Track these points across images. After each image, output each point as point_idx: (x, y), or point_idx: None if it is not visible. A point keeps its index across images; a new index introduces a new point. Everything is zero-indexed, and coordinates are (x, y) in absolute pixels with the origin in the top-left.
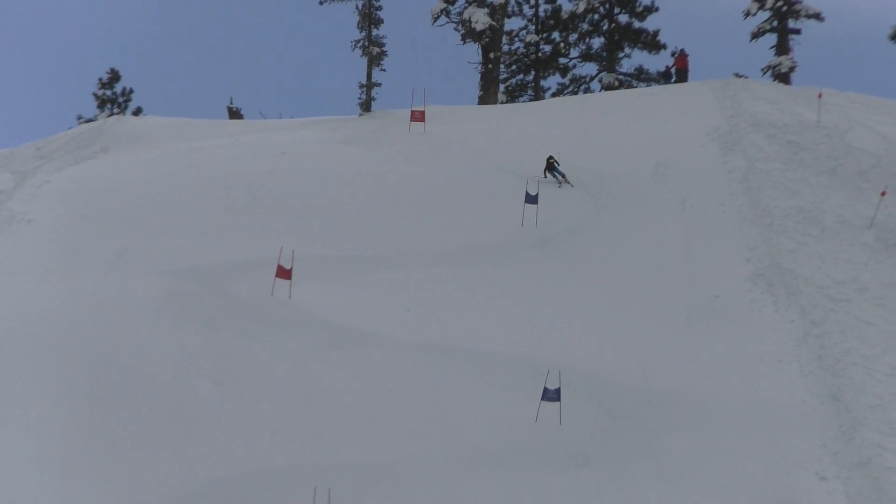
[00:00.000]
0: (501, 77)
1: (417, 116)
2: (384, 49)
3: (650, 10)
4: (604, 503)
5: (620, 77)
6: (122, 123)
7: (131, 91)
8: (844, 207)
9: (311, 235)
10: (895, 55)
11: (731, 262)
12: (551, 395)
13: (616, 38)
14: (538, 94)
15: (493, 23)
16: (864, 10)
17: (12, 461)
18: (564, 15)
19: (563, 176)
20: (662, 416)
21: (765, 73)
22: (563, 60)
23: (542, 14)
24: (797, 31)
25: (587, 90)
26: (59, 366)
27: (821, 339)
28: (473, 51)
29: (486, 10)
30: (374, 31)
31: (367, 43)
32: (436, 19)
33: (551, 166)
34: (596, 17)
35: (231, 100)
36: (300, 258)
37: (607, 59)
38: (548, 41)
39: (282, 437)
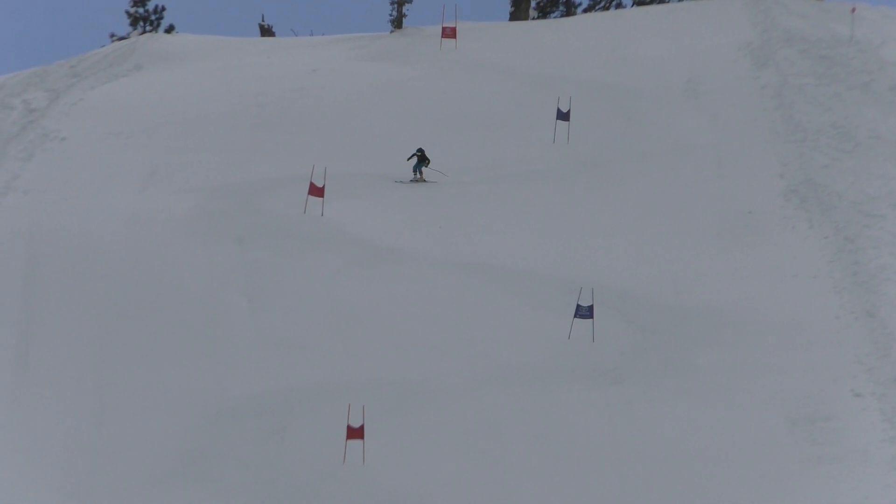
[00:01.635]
0: None
1: (448, 33)
2: None
3: None
4: (635, 419)
5: None
6: (155, 41)
7: (163, 9)
8: (878, 122)
9: (343, 153)
10: None
11: (763, 178)
12: (584, 312)
13: None
14: (570, 10)
15: None
16: None
17: (47, 378)
18: None
19: (421, 173)
20: (694, 332)
21: None
22: None
23: None
24: None
25: (619, 6)
26: (93, 283)
27: (855, 254)
28: None
29: None
30: None
31: None
32: None
33: (421, 159)
34: None
35: (262, 17)
36: (332, 176)
37: None
38: None
39: (314, 354)
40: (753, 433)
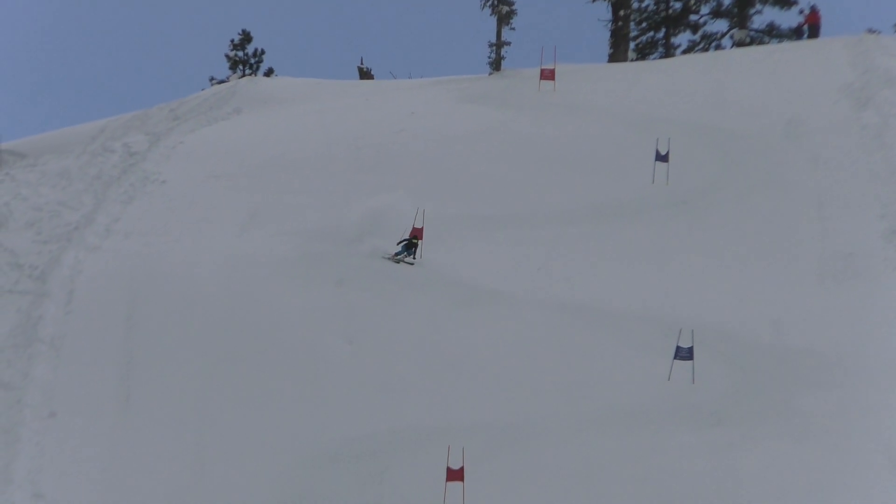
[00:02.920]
0: (632, 35)
1: (547, 75)
2: (514, 7)
3: None
4: (737, 462)
5: (752, 34)
6: (254, 84)
7: (263, 52)
8: None
9: (442, 195)
10: None
11: (864, 220)
12: (684, 354)
13: None
14: (668, 52)
15: None
16: None
17: (148, 421)
18: None
19: (407, 257)
20: (796, 373)
21: None
22: (693, 17)
23: None
24: None
25: (718, 47)
26: (193, 326)
27: None
28: (604, 8)
29: None
30: None
31: (496, 1)
32: None
33: (410, 244)
34: None
35: (361, 60)
36: (431, 217)
37: (738, 16)
38: None
39: (414, 396)
40: (857, 475)
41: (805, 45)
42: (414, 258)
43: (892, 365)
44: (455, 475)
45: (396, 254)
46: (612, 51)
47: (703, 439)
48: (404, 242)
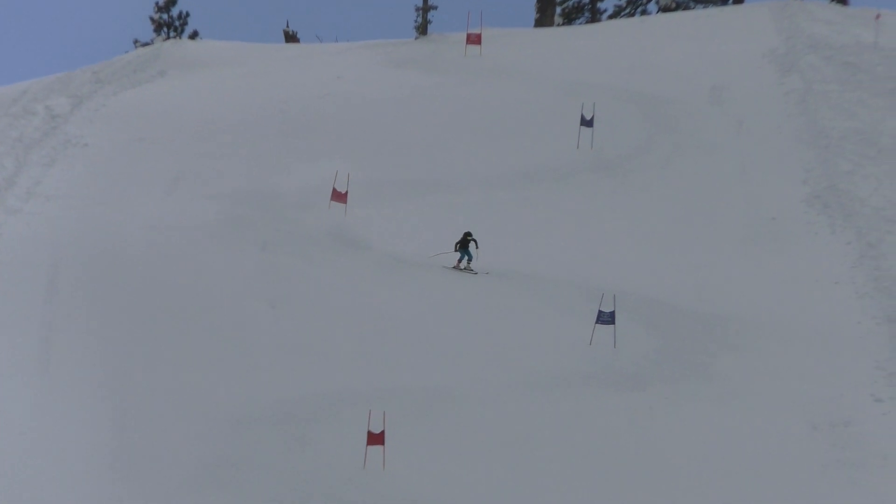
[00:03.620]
0: None
1: (473, 39)
2: None
3: None
4: (657, 424)
5: None
6: (179, 47)
7: (187, 15)
8: None
9: (367, 159)
10: None
11: (787, 184)
12: (606, 318)
13: None
14: (595, 17)
15: None
16: None
17: (70, 385)
18: None
19: (470, 261)
20: (717, 337)
21: None
22: None
23: None
24: None
25: (644, 12)
26: (117, 289)
27: (877, 260)
28: None
29: None
30: None
31: None
32: None
33: (465, 243)
34: None
35: (287, 23)
36: (356, 182)
37: None
38: None
39: (337, 360)
40: (774, 438)
41: (730, 10)
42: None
43: (809, 329)
44: (376, 439)
45: (459, 260)
46: (538, 15)
47: (624, 402)
48: (461, 247)
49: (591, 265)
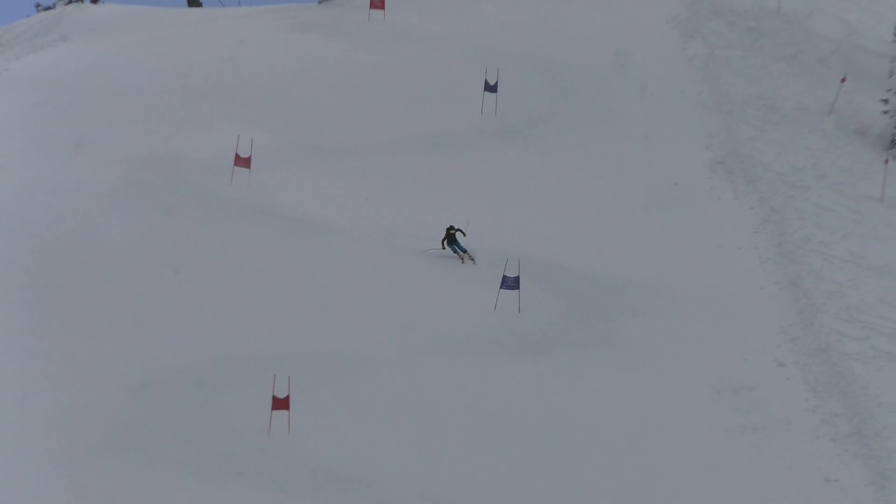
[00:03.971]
0: None
1: (377, 4)
2: None
3: None
4: (562, 389)
5: None
6: (81, 11)
7: None
8: (804, 94)
9: (271, 124)
10: None
11: (690, 150)
12: (510, 283)
13: None
14: None
15: None
16: None
17: None
18: None
19: (465, 252)
20: (621, 303)
21: None
22: None
23: None
24: None
25: None
26: (17, 253)
27: (780, 225)
28: None
29: None
30: None
31: None
32: None
33: (451, 238)
34: None
35: None
36: (260, 147)
37: None
38: None
39: (241, 325)
40: (678, 402)
41: None
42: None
43: (712, 294)
44: (281, 404)
45: (455, 251)
46: None
47: (529, 367)
48: (446, 239)
49: (495, 231)
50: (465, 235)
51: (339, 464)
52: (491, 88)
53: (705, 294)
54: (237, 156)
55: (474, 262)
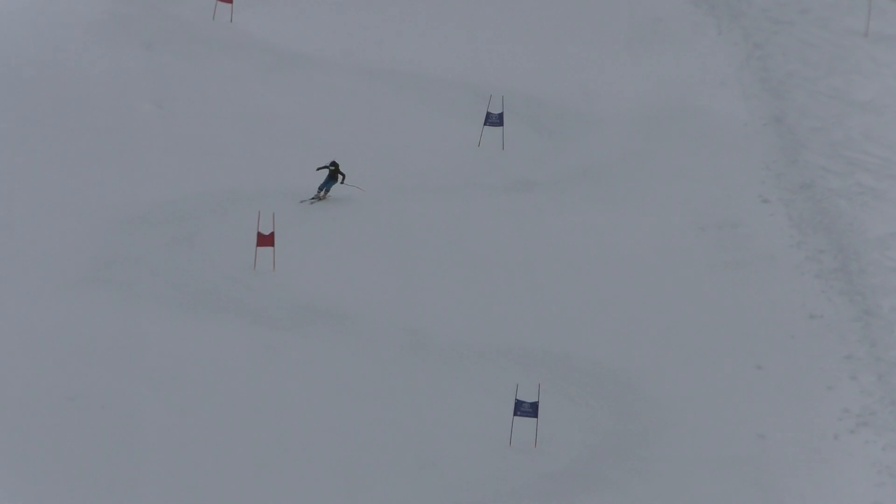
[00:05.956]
0: None
1: None
2: None
3: None
4: (545, 224)
5: None
6: None
7: None
8: None
9: None
10: None
11: None
12: (494, 120)
13: None
14: None
15: None
16: None
17: None
18: None
19: (327, 191)
20: (604, 138)
21: None
22: None
23: None
24: None
25: None
26: (2, 88)
27: (763, 61)
28: None
29: None
30: None
31: None
32: None
33: (332, 174)
34: None
35: None
36: None
37: None
38: None
39: (224, 160)
40: (662, 238)
41: None
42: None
43: (696, 130)
44: (265, 240)
45: (321, 189)
46: None
47: (514, 205)
48: (325, 172)
49: (478, 66)
50: (342, 182)
51: (323, 299)
52: None
53: (689, 130)
54: None
55: (327, 199)
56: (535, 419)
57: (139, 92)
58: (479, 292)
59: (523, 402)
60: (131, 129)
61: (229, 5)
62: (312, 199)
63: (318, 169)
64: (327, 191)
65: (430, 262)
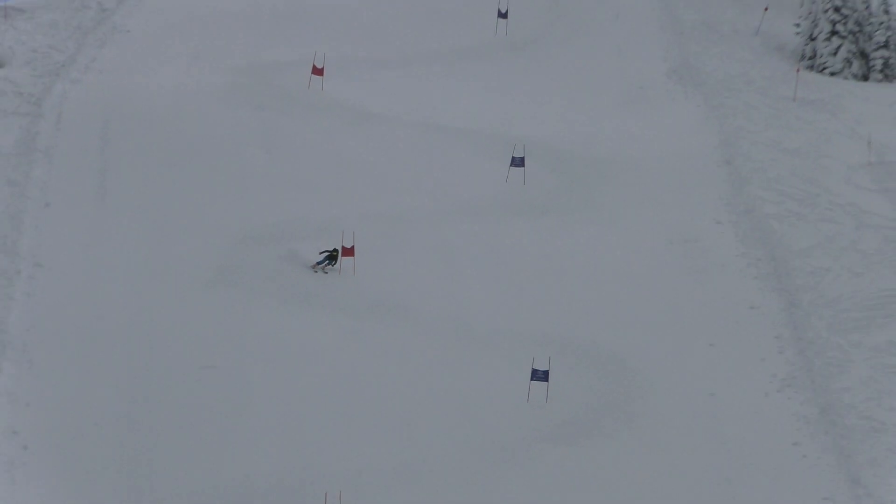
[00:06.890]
0: None
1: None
2: None
3: None
4: (557, 242)
5: None
6: None
7: None
8: (736, 19)
9: (340, 41)
10: None
11: (652, 62)
12: (518, 162)
13: None
14: None
15: None
16: None
17: (120, 210)
18: None
19: (324, 266)
20: (601, 175)
21: None
22: None
23: None
24: None
25: None
26: (152, 139)
27: (719, 119)
28: None
29: None
30: None
31: None
32: None
33: (333, 257)
34: None
35: None
36: (331, 59)
37: None
38: None
39: (316, 193)
40: (642, 250)
41: None
42: (332, 266)
43: (667, 169)
44: (348, 252)
45: (318, 262)
46: None
47: (534, 226)
48: (326, 253)
49: (507, 122)
50: (333, 265)
51: (390, 296)
52: (502, 15)
53: (662, 169)
54: (314, 66)
55: (325, 273)
56: (546, 383)
57: (252, 141)
58: (508, 291)
59: (538, 370)
60: (247, 169)
61: (321, 77)
62: (315, 267)
63: (321, 252)
64: (324, 266)
65: (471, 268)
